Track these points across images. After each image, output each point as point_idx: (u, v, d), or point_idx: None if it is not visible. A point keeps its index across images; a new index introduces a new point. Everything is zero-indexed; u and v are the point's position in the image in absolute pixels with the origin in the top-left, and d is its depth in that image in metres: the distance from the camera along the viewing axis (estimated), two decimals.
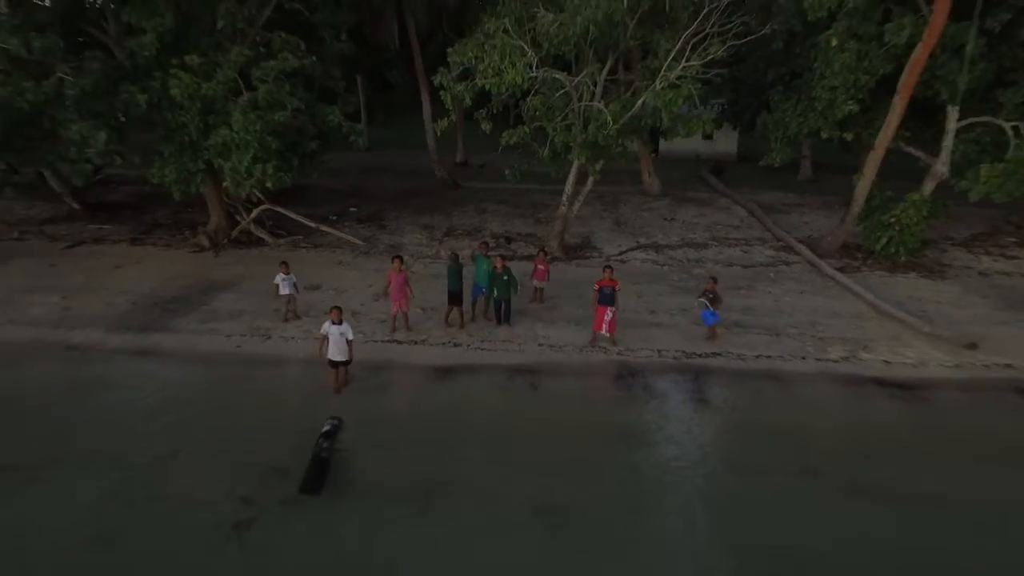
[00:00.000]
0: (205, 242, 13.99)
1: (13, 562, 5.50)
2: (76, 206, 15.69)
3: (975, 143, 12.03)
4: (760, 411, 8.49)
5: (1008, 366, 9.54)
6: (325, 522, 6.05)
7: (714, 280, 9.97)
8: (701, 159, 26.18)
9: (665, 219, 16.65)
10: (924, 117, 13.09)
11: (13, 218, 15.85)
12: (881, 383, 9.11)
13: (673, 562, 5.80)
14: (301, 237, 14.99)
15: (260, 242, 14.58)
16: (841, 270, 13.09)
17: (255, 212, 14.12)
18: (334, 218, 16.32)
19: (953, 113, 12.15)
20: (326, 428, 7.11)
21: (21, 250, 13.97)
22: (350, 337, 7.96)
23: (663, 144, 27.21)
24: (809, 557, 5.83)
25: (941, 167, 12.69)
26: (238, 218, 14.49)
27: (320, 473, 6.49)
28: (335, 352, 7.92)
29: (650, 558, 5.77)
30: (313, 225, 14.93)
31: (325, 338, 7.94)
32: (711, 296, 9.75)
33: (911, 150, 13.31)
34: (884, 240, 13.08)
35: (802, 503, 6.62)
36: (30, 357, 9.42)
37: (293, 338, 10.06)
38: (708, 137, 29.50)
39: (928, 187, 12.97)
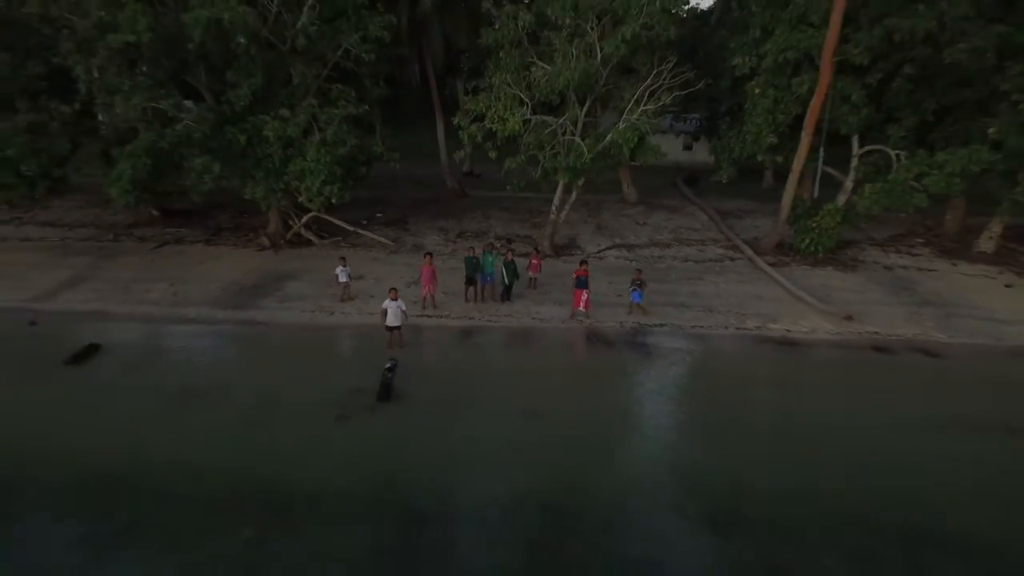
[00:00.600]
0: (266, 243, 17.69)
1: (218, 437, 9.19)
2: (156, 212, 19.41)
3: (872, 165, 15.68)
4: (685, 359, 12.21)
5: (875, 333, 13.22)
6: (391, 416, 9.73)
7: (639, 271, 13.73)
8: (681, 168, 29.87)
9: (638, 223, 20.35)
10: (838, 145, 16.73)
11: (104, 223, 19.56)
12: (778, 343, 12.79)
13: (601, 438, 9.43)
14: (340, 238, 18.66)
15: (308, 243, 18.26)
16: (773, 265, 16.74)
17: (305, 218, 17.80)
18: (365, 222, 19.94)
19: (855, 143, 15.81)
20: (387, 366, 10.78)
21: (120, 249, 17.68)
22: (403, 308, 11.65)
23: None
24: (688, 428, 9.54)
25: (849, 183, 16.36)
26: (290, 223, 18.19)
27: (387, 390, 10.17)
28: (392, 319, 11.59)
29: (588, 436, 9.40)
30: (350, 228, 18.62)
31: (385, 311, 11.61)
32: (638, 283, 13.44)
33: (829, 169, 16.99)
34: (807, 241, 16.73)
35: (695, 407, 10.33)
36: (164, 326, 13.15)
37: (349, 313, 13.75)
38: (688, 148, 33.45)
39: (841, 199, 16.63)
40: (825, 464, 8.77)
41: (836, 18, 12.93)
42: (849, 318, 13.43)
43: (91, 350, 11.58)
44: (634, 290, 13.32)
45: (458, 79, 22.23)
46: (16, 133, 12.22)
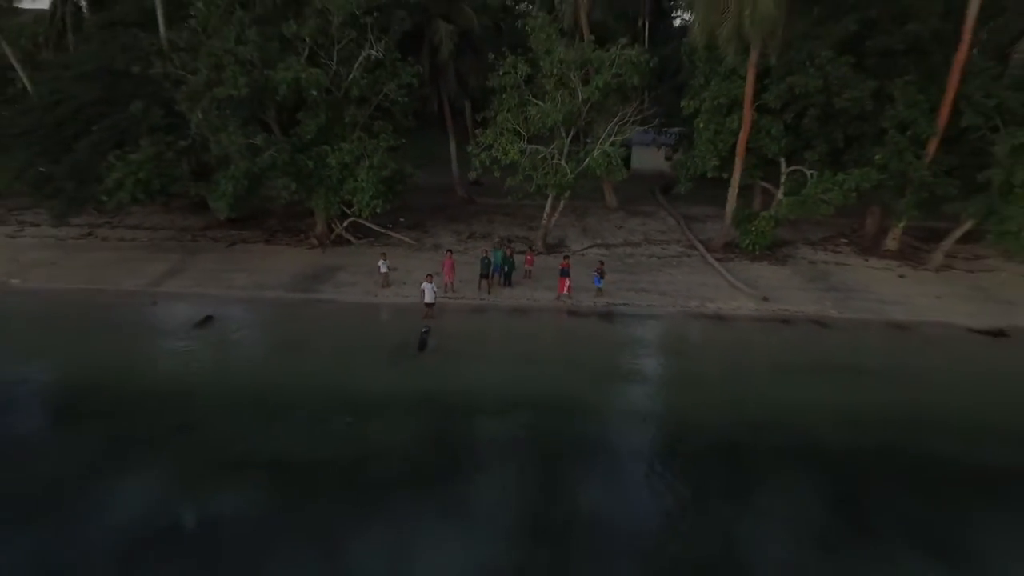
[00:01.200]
0: (315, 242, 22.32)
1: (314, 370, 13.80)
2: (221, 218, 24.02)
3: (795, 182, 20.24)
4: (637, 328, 16.82)
5: (784, 310, 17.78)
6: (427, 360, 14.36)
7: (601, 263, 18.33)
8: (663, 176, 34.37)
9: (616, 227, 24.94)
10: (772, 165, 21.27)
11: (179, 226, 24.20)
12: (709, 317, 17.37)
13: (572, 373, 14.02)
14: (372, 239, 23.24)
15: (347, 242, 22.83)
16: (720, 260, 21.29)
17: (346, 222, 22.38)
18: (390, 226, 24.51)
19: (783, 164, 20.39)
20: (423, 329, 15.39)
21: (199, 247, 22.32)
22: (435, 289, 16.25)
23: (637, 164, 35.45)
24: (629, 368, 14.14)
25: (780, 195, 20.93)
26: (333, 226, 22.79)
27: (423, 344, 14.80)
28: (428, 297, 16.14)
29: (564, 372, 14.00)
30: (380, 230, 23.20)
31: (423, 291, 16.19)
32: (599, 272, 18.01)
33: (765, 184, 21.56)
34: (747, 241, 21.29)
35: (637, 356, 14.93)
36: (253, 304, 17.77)
37: (388, 296, 18.37)
38: (669, 159, 37.97)
39: (774, 208, 21.19)
40: (716, 384, 13.42)
41: (751, 77, 17.47)
42: (766, 299, 18.00)
43: (208, 319, 16.22)
44: (596, 276, 17.93)
45: (467, 104, 26.85)
46: (147, 160, 16.84)
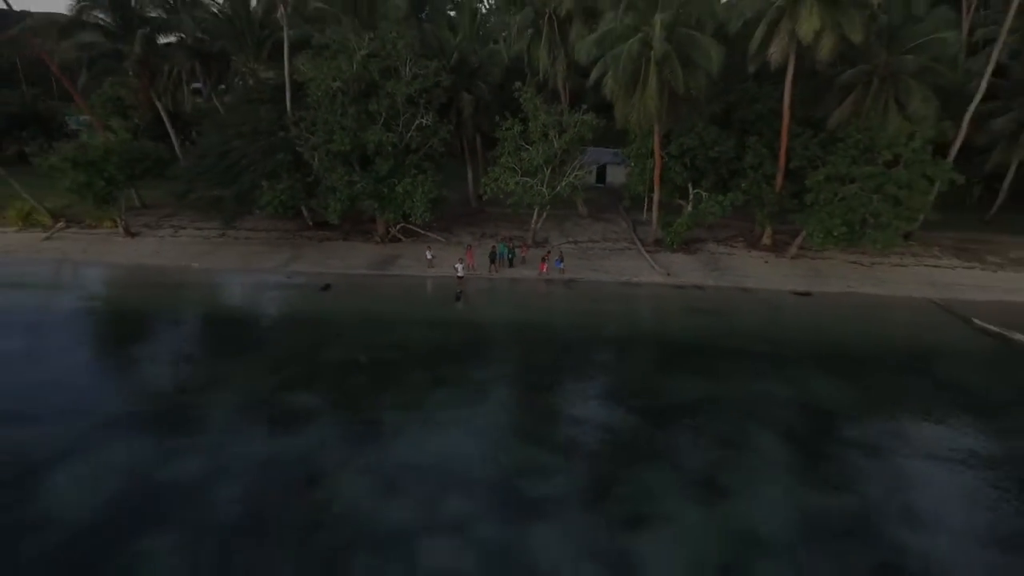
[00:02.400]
0: (378, 240, 33.74)
1: (399, 310, 25.24)
2: (311, 223, 35.45)
3: (698, 199, 31.50)
4: (587, 291, 28.20)
5: (680, 280, 29.07)
6: (462, 306, 25.80)
7: (561, 252, 29.71)
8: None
9: (584, 229, 36.25)
10: (684, 189, 32.48)
11: (282, 229, 35.60)
12: (632, 285, 28.71)
13: (549, 313, 25.39)
14: (414, 238, 34.63)
15: (398, 240, 34.22)
16: (649, 252, 32.55)
17: (399, 225, 33.75)
18: (428, 230, 35.94)
19: (690, 188, 31.67)
20: (458, 291, 26.81)
21: (301, 242, 33.72)
22: (463, 268, 27.67)
23: (610, 179, 46.76)
24: (581, 311, 25.54)
25: (688, 207, 32.20)
26: (389, 229, 34.15)
27: (459, 298, 26.27)
28: (460, 272, 27.57)
29: (545, 313, 25.40)
30: (421, 231, 34.55)
31: (456, 269, 27.60)
32: (560, 256, 29.39)
33: (680, 202, 32.82)
34: (669, 238, 32.54)
35: (585, 306, 26.33)
36: (349, 278, 29.17)
37: (433, 273, 29.74)
38: None
39: (685, 215, 32.42)
40: (625, 316, 24.80)
41: (656, 138, 28.77)
42: (669, 274, 29.31)
43: (327, 287, 27.63)
44: (558, 260, 29.32)
45: (479, 145, 38.23)
46: (286, 188, 28.30)
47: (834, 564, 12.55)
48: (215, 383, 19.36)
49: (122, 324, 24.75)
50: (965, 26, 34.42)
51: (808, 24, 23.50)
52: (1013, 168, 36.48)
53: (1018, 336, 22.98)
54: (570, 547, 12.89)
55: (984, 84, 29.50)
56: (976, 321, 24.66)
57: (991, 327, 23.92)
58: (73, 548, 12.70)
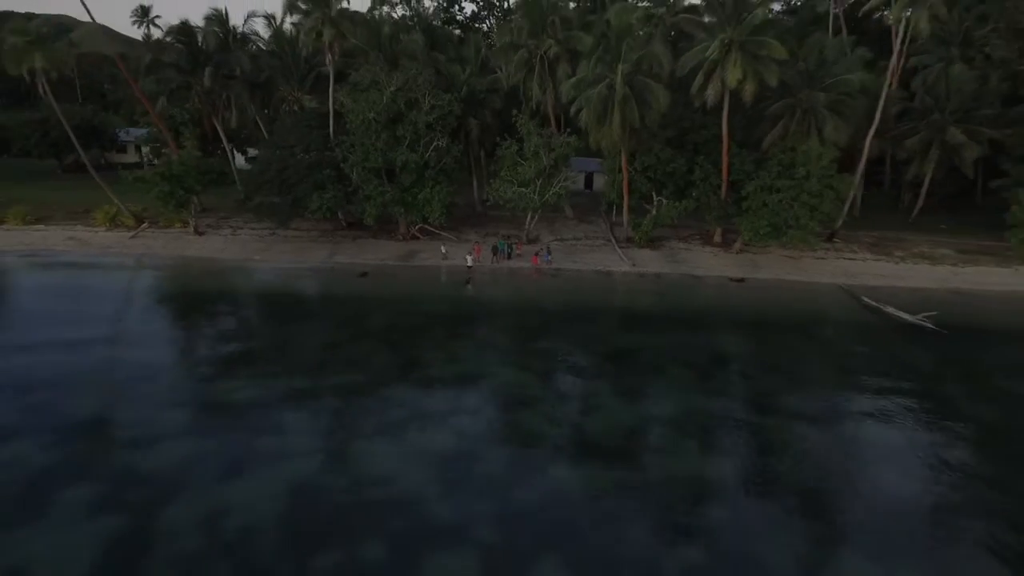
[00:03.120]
0: (400, 238, 41.77)
1: (420, 291, 33.30)
2: (344, 224, 43.47)
3: (660, 205, 39.45)
4: (570, 277, 36.21)
5: (643, 269, 37.02)
6: (471, 290, 33.82)
7: (549, 247, 37.78)
8: None
9: (570, 229, 44.22)
10: (649, 195, 40.46)
11: (320, 229, 43.61)
12: (605, 273, 36.68)
13: (539, 292, 33.39)
14: (430, 236, 42.63)
15: (416, 238, 42.23)
16: (622, 247, 40.50)
17: (417, 226, 41.76)
18: (441, 230, 43.95)
19: (654, 196, 39.63)
20: (467, 278, 34.79)
21: (339, 239, 41.76)
22: (472, 258, 35.67)
23: (597, 186, 54.77)
24: (564, 292, 33.55)
25: (653, 211, 40.17)
26: (410, 228, 42.15)
27: (467, 283, 34.26)
28: (469, 263, 35.62)
29: (537, 292, 33.40)
30: (435, 231, 42.55)
31: (466, 260, 35.62)
32: (547, 250, 37.43)
33: (648, 207, 40.78)
34: (638, 236, 40.48)
35: (567, 288, 34.33)
36: (379, 267, 37.23)
37: (447, 264, 37.75)
38: None
39: (664, 209, 40.35)
40: (597, 294, 32.78)
41: (624, 156, 36.73)
42: (635, 265, 37.27)
43: (365, 274, 35.63)
44: (546, 254, 37.33)
45: (483, 159, 46.26)
46: (332, 197, 36.42)
47: (708, 436, 20.33)
48: (301, 337, 27.28)
49: (218, 300, 32.70)
50: (895, 60, 41.92)
51: (733, 74, 31.46)
52: (928, 178, 44.49)
53: (890, 309, 30.84)
54: (541, 417, 20.70)
55: (878, 115, 37.52)
56: (864, 299, 32.57)
57: (873, 303, 31.82)
58: (239, 416, 20.56)
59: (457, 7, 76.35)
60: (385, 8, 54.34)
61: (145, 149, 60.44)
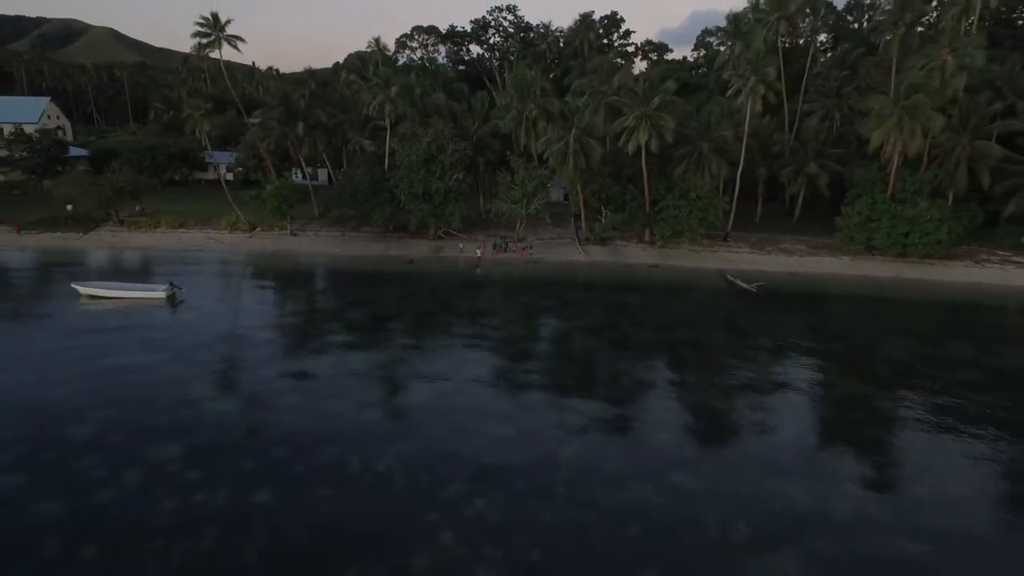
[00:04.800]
0: (430, 237, 62.55)
1: (448, 273, 54.10)
2: (391, 228, 64.23)
3: (609, 216, 59.96)
4: (543, 267, 56.93)
5: (592, 260, 57.61)
6: (480, 272, 54.56)
7: (532, 244, 58.46)
8: None
9: (548, 231, 64.79)
10: (599, 209, 60.97)
11: (375, 232, 64.31)
12: (567, 263, 57.30)
13: (522, 273, 54.05)
14: (451, 237, 63.31)
15: (441, 238, 62.96)
16: (582, 245, 61.02)
17: (442, 229, 62.54)
18: (459, 232, 64.65)
19: (603, 209, 60.15)
20: (477, 265, 55.43)
21: (387, 239, 62.54)
22: (479, 252, 56.37)
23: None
24: (539, 278, 54.27)
25: (603, 220, 60.76)
26: (437, 231, 62.88)
27: (477, 266, 54.99)
28: (478, 254, 56.29)
29: (519, 273, 54.08)
30: (455, 233, 63.21)
31: (476, 252, 56.32)
32: (530, 246, 58.16)
33: (598, 217, 61.28)
34: (592, 236, 61.00)
35: (541, 274, 55.06)
36: (420, 259, 57.97)
37: (463, 255, 58.45)
38: None
39: (607, 218, 60.92)
40: (563, 278, 53.49)
41: (580, 186, 57.09)
42: (588, 256, 57.80)
43: (411, 261, 56.28)
44: (529, 249, 58.03)
45: (486, 182, 66.94)
46: (390, 212, 57.00)
47: (600, 334, 40.57)
48: (382, 294, 47.79)
49: (323, 275, 53.29)
50: (788, 105, 62.00)
51: (642, 136, 52.01)
52: (801, 197, 64.96)
53: (737, 281, 51.18)
54: (518, 327, 41.00)
55: (743, 151, 58.05)
56: (728, 277, 52.98)
57: (730, 278, 52.20)
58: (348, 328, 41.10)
59: (464, 50, 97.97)
60: (407, 52, 75.53)
61: (222, 168, 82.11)
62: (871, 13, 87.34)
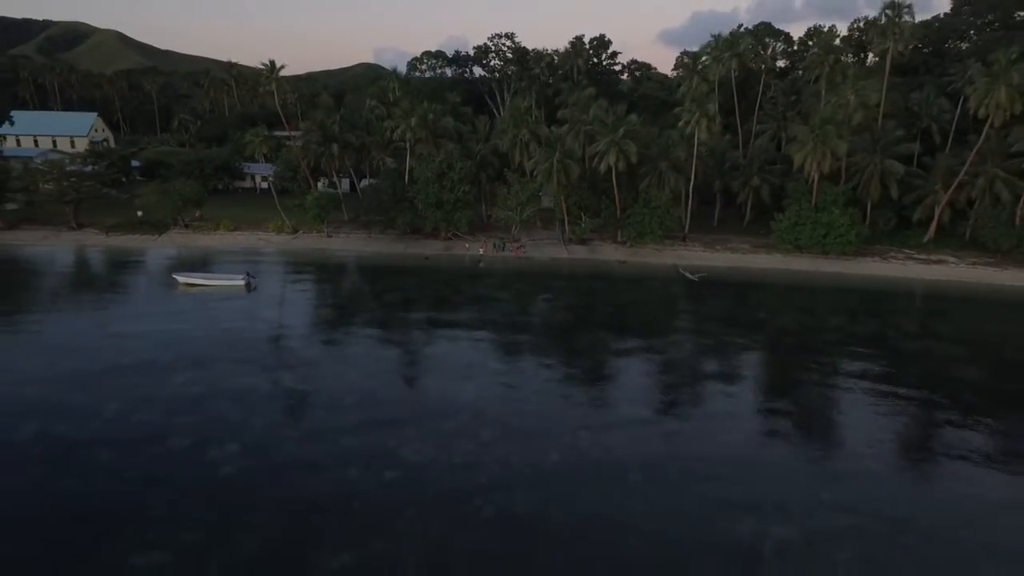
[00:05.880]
0: (442, 239, 77.27)
1: (457, 266, 68.88)
2: (409, 230, 78.93)
3: (587, 221, 74.62)
4: (536, 261, 71.68)
5: (573, 256, 72.26)
6: (481, 266, 69.33)
7: (524, 243, 73.17)
8: None
9: (539, 233, 79.49)
10: (579, 215, 75.60)
11: (396, 233, 79.03)
12: (554, 258, 72.01)
13: (515, 265, 68.80)
14: (458, 238, 78.00)
15: (450, 239, 77.64)
16: (566, 244, 75.64)
17: (452, 231, 77.27)
18: (464, 233, 79.35)
19: (583, 216, 74.80)
20: (479, 260, 70.13)
21: (408, 240, 77.27)
22: (482, 251, 71.10)
23: None
24: (531, 270, 69.05)
25: (584, 224, 75.45)
26: (447, 232, 77.57)
27: (480, 261, 69.72)
28: (481, 252, 71.00)
29: (514, 265, 68.81)
30: (461, 235, 77.89)
31: (479, 250, 71.03)
32: (520, 245, 72.90)
33: (579, 222, 75.91)
34: (574, 238, 75.64)
35: (533, 267, 69.83)
36: (435, 255, 72.75)
37: (468, 252, 73.16)
38: None
39: (585, 223, 75.56)
40: (551, 271, 68.24)
41: (563, 196, 71.60)
42: (569, 253, 72.45)
43: (427, 257, 70.96)
44: (523, 247, 72.73)
45: (488, 192, 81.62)
46: (410, 217, 71.64)
47: (571, 309, 55.07)
48: (405, 283, 62.36)
49: (355, 268, 67.93)
50: (747, 125, 76.50)
51: (611, 156, 66.62)
52: (748, 203, 79.55)
53: (686, 273, 65.76)
54: (511, 304, 55.53)
55: (694, 165, 72.68)
56: (679, 269, 67.56)
57: (680, 271, 66.75)
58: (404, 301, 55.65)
59: (468, 71, 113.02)
60: (417, 73, 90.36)
61: (258, 179, 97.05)
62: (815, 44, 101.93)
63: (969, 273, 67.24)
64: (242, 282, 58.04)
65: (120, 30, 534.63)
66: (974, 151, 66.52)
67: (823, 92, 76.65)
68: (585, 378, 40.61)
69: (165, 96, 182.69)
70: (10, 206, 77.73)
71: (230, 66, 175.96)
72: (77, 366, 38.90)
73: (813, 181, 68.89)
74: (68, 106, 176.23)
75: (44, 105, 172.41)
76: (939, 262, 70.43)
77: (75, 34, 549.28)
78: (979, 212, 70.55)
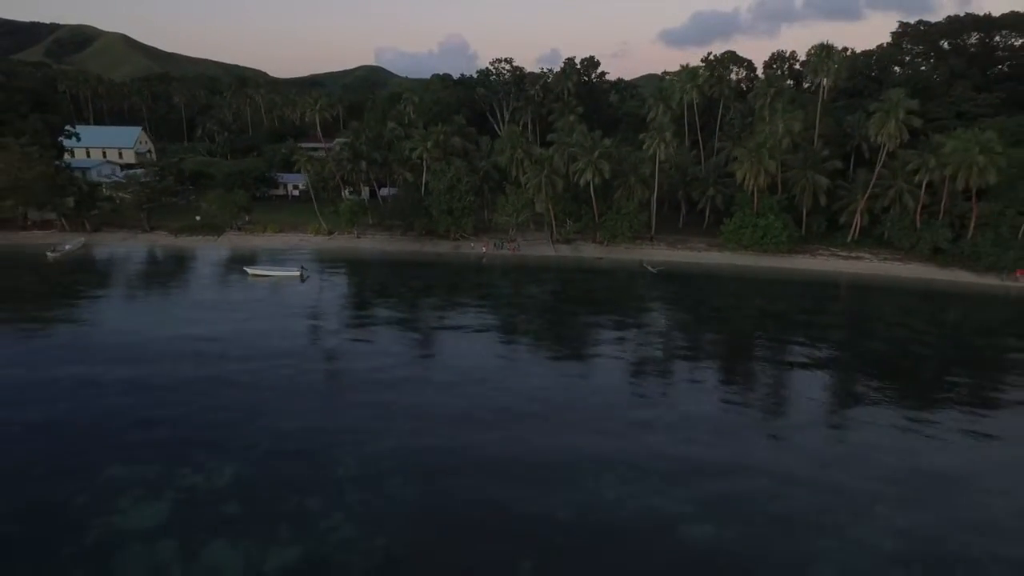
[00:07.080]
0: (451, 239, 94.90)
1: (465, 262, 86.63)
2: (425, 232, 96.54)
3: (575, 224, 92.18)
4: (530, 258, 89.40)
5: (564, 255, 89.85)
6: (484, 263, 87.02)
7: (520, 243, 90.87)
8: None
9: (533, 234, 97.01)
10: (565, 220, 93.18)
11: (414, 235, 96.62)
12: (544, 256, 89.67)
13: (512, 260, 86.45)
14: (464, 238, 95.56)
15: (458, 239, 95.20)
16: (554, 244, 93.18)
17: (459, 232, 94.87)
18: (469, 234, 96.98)
19: (568, 221, 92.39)
20: (482, 257, 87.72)
21: (424, 241, 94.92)
22: (485, 249, 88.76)
23: None
24: (525, 265, 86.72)
25: (568, 227, 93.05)
26: (456, 234, 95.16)
27: (483, 258, 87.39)
28: (484, 250, 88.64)
29: (512, 262, 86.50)
30: (466, 236, 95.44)
31: (483, 248, 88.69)
32: (515, 243, 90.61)
33: (569, 221, 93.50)
34: (561, 239, 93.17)
35: (527, 262, 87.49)
36: (446, 252, 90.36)
37: (474, 251, 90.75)
38: None
39: (569, 226, 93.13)
40: (542, 265, 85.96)
41: (550, 204, 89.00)
42: (557, 252, 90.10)
43: (440, 254, 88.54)
44: (518, 246, 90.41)
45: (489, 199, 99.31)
46: (425, 223, 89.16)
47: (554, 293, 72.50)
48: (424, 274, 79.85)
49: (381, 264, 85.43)
50: (710, 143, 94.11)
51: (588, 173, 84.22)
52: (708, 209, 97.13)
53: (647, 265, 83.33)
54: (508, 290, 72.95)
55: (656, 178, 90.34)
56: (644, 263, 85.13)
57: (643, 265, 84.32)
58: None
59: (476, 91, 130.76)
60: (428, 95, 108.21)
61: (290, 187, 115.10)
62: (778, 68, 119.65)
63: (879, 267, 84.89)
64: (297, 273, 75.69)
65: (126, 33, 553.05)
66: (876, 169, 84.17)
67: (767, 117, 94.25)
68: (559, 336, 58.16)
69: (190, 107, 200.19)
70: (93, 212, 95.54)
71: (253, 80, 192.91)
72: (217, 316, 58.27)
73: (753, 192, 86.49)
74: (99, 117, 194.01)
75: (80, 116, 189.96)
76: (857, 258, 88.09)
77: (82, 37, 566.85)
78: (891, 217, 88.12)
